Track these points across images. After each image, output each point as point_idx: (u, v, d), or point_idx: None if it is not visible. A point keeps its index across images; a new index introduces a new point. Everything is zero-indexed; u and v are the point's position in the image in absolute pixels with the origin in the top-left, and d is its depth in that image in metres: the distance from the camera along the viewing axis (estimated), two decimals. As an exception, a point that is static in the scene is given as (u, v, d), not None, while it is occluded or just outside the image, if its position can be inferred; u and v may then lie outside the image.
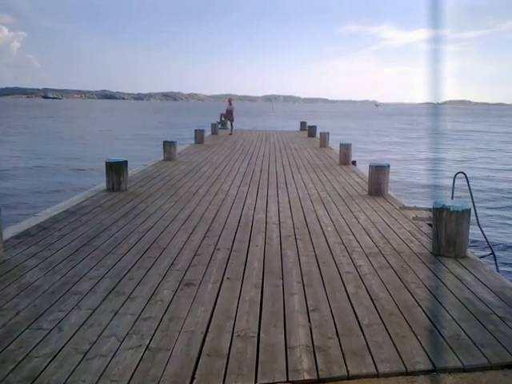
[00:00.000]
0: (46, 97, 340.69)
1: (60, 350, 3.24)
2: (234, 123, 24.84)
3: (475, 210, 6.59)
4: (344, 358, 3.22)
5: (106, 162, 9.17)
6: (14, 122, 57.25)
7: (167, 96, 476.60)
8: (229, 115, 24.62)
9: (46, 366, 3.05)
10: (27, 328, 3.56)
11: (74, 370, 3.01)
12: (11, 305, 3.95)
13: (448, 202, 5.63)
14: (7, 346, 3.30)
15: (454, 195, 7.49)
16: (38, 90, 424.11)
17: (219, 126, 25.01)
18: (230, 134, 23.87)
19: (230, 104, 24.64)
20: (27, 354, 3.19)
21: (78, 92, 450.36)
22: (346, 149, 13.56)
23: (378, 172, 9.10)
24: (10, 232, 6.01)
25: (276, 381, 2.96)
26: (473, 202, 6.82)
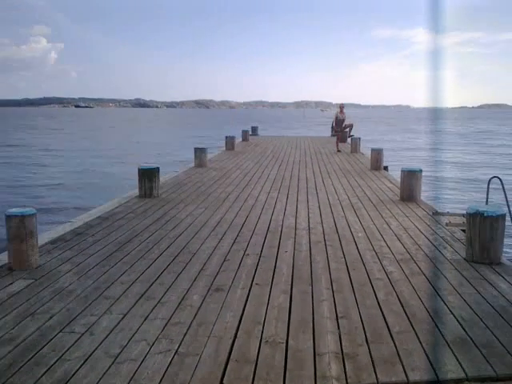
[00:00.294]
0: (77, 106, 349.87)
1: (91, 354, 3.31)
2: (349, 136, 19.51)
3: (511, 215, 6.43)
4: (374, 365, 3.18)
5: (139, 169, 9.32)
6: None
7: (199, 103, 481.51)
8: (340, 125, 19.21)
9: (78, 370, 3.11)
10: (60, 331, 3.64)
11: (104, 374, 3.06)
12: (45, 309, 4.05)
13: (482, 206, 5.51)
14: (40, 349, 3.38)
15: (489, 200, 7.32)
16: (73, 99, 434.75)
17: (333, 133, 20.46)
18: (339, 150, 18.16)
19: (342, 111, 19.14)
20: (59, 358, 3.26)
21: (113, 101, 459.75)
22: (377, 154, 13.40)
23: (410, 177, 8.96)
24: (45, 237, 6.17)
25: (304, 387, 2.95)
26: (508, 207, 6.65)
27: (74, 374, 3.05)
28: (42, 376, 3.04)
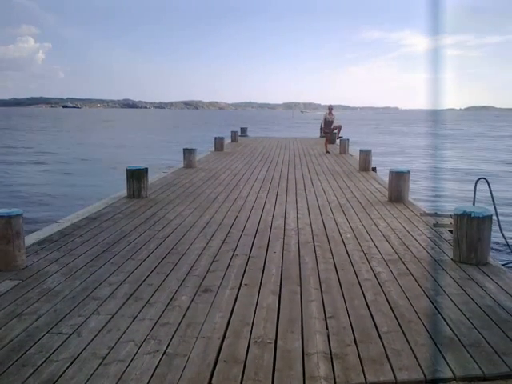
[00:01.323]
0: (65, 106, 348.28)
1: (79, 355, 3.28)
2: (339, 138, 19.26)
3: (497, 216, 6.49)
4: (362, 365, 3.19)
5: (127, 169, 9.27)
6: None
7: (188, 104, 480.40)
8: (329, 126, 19.01)
9: (65, 370, 3.08)
10: (47, 332, 3.61)
11: (92, 375, 3.04)
12: (32, 309, 4.02)
13: (469, 207, 5.55)
14: (28, 350, 3.35)
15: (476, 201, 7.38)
16: (61, 99, 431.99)
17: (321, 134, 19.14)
18: (328, 152, 18.25)
19: (331, 113, 18.97)
20: (47, 358, 3.23)
21: (101, 101, 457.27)
22: (365, 155, 13.48)
23: (399, 178, 9.02)
24: (32, 238, 6.11)
25: (293, 387, 2.95)
26: (495, 208, 6.72)
27: (61, 375, 3.02)
28: (29, 377, 3.01)
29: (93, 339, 3.51)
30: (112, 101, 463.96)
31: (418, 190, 16.22)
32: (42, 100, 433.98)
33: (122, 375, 3.03)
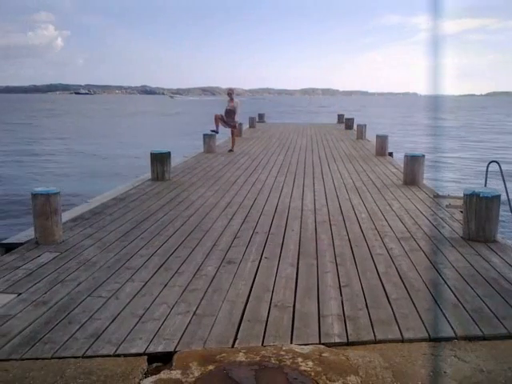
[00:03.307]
0: (77, 93, 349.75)
1: (118, 314, 3.68)
2: (237, 130, 15.61)
3: (508, 198, 6.71)
4: (372, 325, 3.53)
5: (151, 153, 9.68)
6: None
7: (206, 91, 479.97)
8: (228, 117, 14.22)
9: (107, 327, 3.48)
10: (88, 296, 4.02)
11: (131, 330, 3.43)
12: (73, 277, 4.44)
13: (479, 188, 5.81)
14: (72, 310, 3.76)
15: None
16: (80, 85, 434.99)
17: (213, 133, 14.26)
18: (231, 150, 14.42)
19: (232, 99, 14.16)
20: (90, 317, 3.64)
21: (119, 88, 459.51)
22: (382, 140, 13.68)
23: (414, 162, 9.26)
24: (66, 216, 6.53)
25: (309, 342, 3.30)
26: (506, 190, 6.94)
27: (104, 330, 3.42)
28: (75, 332, 3.40)
29: (129, 302, 3.91)
30: (130, 87, 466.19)
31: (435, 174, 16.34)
32: (61, 87, 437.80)
33: (157, 331, 3.42)
